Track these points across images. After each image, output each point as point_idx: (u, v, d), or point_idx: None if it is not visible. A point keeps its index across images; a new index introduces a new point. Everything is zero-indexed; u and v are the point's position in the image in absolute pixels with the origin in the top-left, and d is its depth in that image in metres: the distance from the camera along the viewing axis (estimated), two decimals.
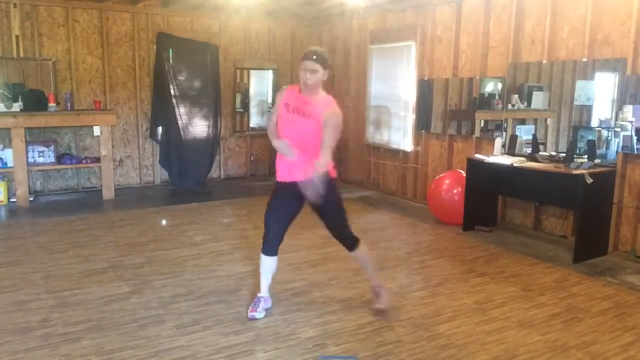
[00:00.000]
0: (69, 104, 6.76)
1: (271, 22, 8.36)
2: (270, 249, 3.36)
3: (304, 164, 3.14)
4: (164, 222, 5.85)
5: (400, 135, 7.15)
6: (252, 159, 8.62)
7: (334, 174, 3.26)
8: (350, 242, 3.37)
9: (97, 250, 4.75)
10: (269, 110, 8.73)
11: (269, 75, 8.70)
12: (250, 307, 3.44)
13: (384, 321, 3.36)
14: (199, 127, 7.82)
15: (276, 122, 3.26)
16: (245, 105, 8.60)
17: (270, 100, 8.76)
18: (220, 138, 8.15)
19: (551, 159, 5.12)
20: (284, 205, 3.30)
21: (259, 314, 3.39)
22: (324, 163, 3.07)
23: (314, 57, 3.10)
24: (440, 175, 6.03)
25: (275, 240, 3.35)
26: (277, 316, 3.42)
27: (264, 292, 3.48)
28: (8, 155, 6.47)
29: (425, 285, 4.03)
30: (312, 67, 3.09)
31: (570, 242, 4.96)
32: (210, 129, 7.91)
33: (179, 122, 7.61)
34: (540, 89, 5.45)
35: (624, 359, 2.97)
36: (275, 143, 3.24)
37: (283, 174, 3.29)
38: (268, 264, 3.41)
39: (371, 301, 3.55)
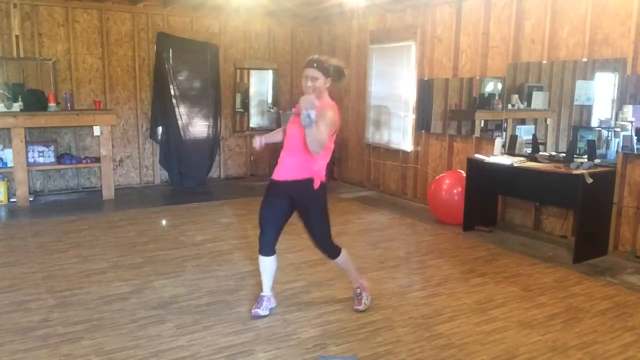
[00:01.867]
0: (69, 104, 6.76)
1: (271, 22, 8.36)
2: (267, 249, 3.36)
3: (295, 166, 3.23)
4: (164, 222, 5.85)
5: (400, 135, 7.15)
6: (252, 159, 8.62)
7: (317, 184, 3.26)
8: (331, 252, 3.40)
9: (97, 250, 4.75)
10: (269, 110, 8.74)
11: (269, 75, 8.70)
12: (254, 305, 3.44)
13: (385, 321, 3.36)
14: (199, 127, 7.83)
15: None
16: (245, 105, 8.61)
17: (270, 100, 8.76)
18: (220, 138, 8.15)
19: (551, 159, 5.13)
20: (276, 202, 3.31)
21: (263, 311, 3.39)
22: (314, 121, 3.01)
23: (315, 64, 3.17)
24: (440, 175, 6.02)
25: (271, 239, 3.35)
26: (277, 316, 3.42)
27: (266, 291, 3.48)
28: (8, 155, 6.47)
29: (425, 285, 4.03)
30: (313, 75, 3.16)
31: (570, 242, 4.96)
32: (210, 129, 7.92)
33: (179, 122, 7.62)
34: (540, 89, 5.45)
35: (624, 359, 2.97)
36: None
37: (277, 172, 3.34)
38: (267, 264, 3.42)
39: (353, 302, 3.55)
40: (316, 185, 3.24)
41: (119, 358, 2.88)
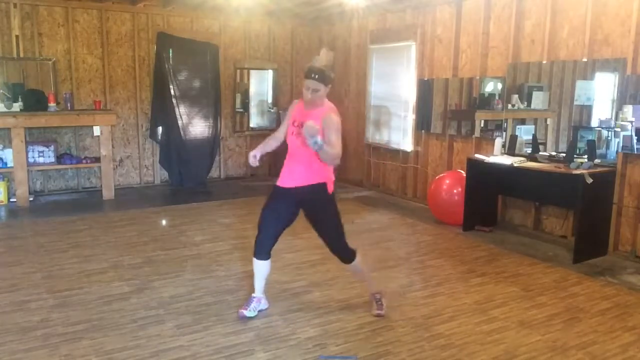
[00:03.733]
0: (69, 104, 6.76)
1: (271, 22, 8.36)
2: (262, 252, 3.33)
3: (305, 172, 3.21)
4: (164, 222, 5.85)
5: (400, 135, 7.15)
6: None
7: (331, 188, 3.25)
8: (346, 256, 3.36)
9: (97, 250, 4.75)
10: (269, 110, 8.73)
11: (269, 75, 8.70)
12: (243, 305, 3.43)
13: (385, 321, 3.36)
14: (199, 127, 7.82)
15: (284, 134, 3.34)
16: (245, 105, 8.61)
17: (270, 100, 8.76)
18: (220, 138, 8.15)
19: (551, 159, 5.13)
20: (280, 208, 3.28)
21: (250, 312, 3.37)
22: (322, 145, 2.96)
23: (315, 76, 3.13)
24: (440, 175, 6.02)
25: (268, 243, 3.32)
26: (277, 316, 3.42)
27: (258, 292, 3.46)
28: (8, 155, 6.47)
29: (425, 285, 4.03)
30: (314, 87, 3.14)
31: (570, 242, 4.96)
32: (210, 129, 7.91)
33: (179, 122, 7.62)
34: (540, 89, 5.45)
35: (624, 359, 2.97)
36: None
37: (283, 180, 3.29)
38: (261, 268, 3.39)
39: (370, 307, 3.53)
40: (330, 189, 3.23)
41: (119, 358, 2.88)
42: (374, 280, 3.59)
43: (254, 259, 3.37)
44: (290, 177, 3.26)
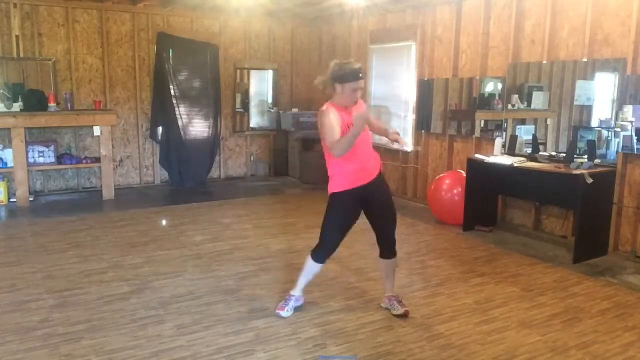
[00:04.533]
0: (69, 104, 6.76)
1: (271, 22, 8.36)
2: (326, 258, 3.42)
3: (374, 164, 3.39)
4: (164, 222, 5.85)
5: (400, 135, 7.13)
6: (252, 159, 8.63)
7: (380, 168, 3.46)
8: (395, 248, 3.53)
9: (97, 250, 4.75)
10: (269, 110, 8.73)
11: (269, 75, 8.70)
12: (279, 304, 3.45)
13: (385, 321, 3.36)
14: (199, 127, 7.83)
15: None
16: (245, 105, 8.61)
17: (270, 100, 8.76)
18: (220, 138, 8.15)
19: (551, 159, 5.13)
20: (352, 215, 3.36)
21: (286, 312, 3.41)
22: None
23: (361, 75, 3.24)
24: (440, 175, 6.02)
25: (333, 252, 3.42)
26: (277, 316, 3.42)
27: (298, 291, 3.50)
28: (8, 155, 6.47)
29: (425, 285, 4.04)
30: (362, 86, 3.26)
31: (570, 242, 4.96)
32: (210, 129, 7.92)
33: (179, 122, 7.63)
34: (540, 89, 5.45)
35: (624, 359, 2.97)
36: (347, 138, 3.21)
37: (364, 178, 3.31)
38: (317, 271, 3.47)
39: (390, 308, 3.51)
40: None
41: (119, 358, 2.88)
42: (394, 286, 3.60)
43: (314, 262, 3.41)
44: (365, 174, 3.32)
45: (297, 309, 3.48)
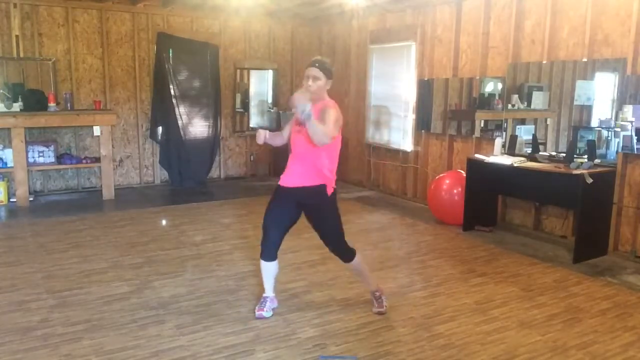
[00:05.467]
0: (69, 104, 6.76)
1: (271, 22, 8.36)
2: (269, 255, 3.35)
3: (305, 173, 3.20)
4: (164, 222, 5.85)
5: (400, 135, 7.15)
6: (252, 159, 8.63)
7: (330, 189, 3.24)
8: (346, 255, 3.37)
9: (97, 250, 4.75)
10: (269, 110, 8.73)
11: (269, 75, 8.70)
12: (257, 307, 3.44)
13: (385, 321, 3.36)
14: (199, 127, 7.83)
15: (288, 133, 3.35)
16: (245, 105, 8.61)
17: (270, 100, 8.76)
18: (220, 138, 8.15)
19: (551, 159, 5.13)
20: (283, 208, 3.29)
21: (267, 312, 3.39)
22: (311, 114, 2.89)
23: (317, 64, 3.16)
24: (440, 175, 6.02)
25: (273, 245, 3.34)
26: (277, 316, 3.42)
27: (268, 292, 3.48)
28: (8, 155, 6.47)
29: (425, 285, 4.03)
30: (314, 74, 3.15)
31: (570, 242, 4.96)
32: (210, 129, 7.92)
33: (179, 122, 7.63)
34: (540, 89, 5.45)
35: (624, 359, 2.97)
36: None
37: (285, 179, 3.29)
38: (269, 269, 3.41)
39: (371, 305, 3.53)
40: (329, 191, 3.22)
41: (119, 358, 2.88)
42: (373, 279, 3.58)
43: (261, 261, 3.38)
44: (291, 177, 3.27)
45: (272, 307, 3.46)
